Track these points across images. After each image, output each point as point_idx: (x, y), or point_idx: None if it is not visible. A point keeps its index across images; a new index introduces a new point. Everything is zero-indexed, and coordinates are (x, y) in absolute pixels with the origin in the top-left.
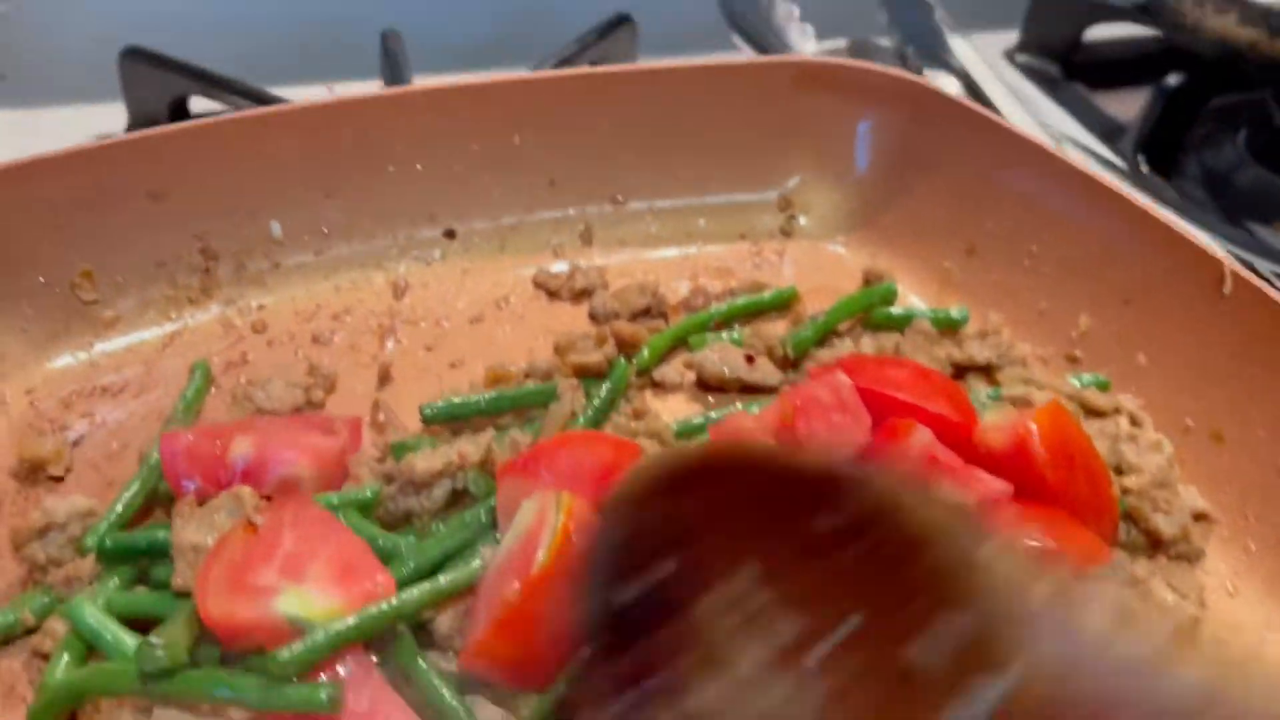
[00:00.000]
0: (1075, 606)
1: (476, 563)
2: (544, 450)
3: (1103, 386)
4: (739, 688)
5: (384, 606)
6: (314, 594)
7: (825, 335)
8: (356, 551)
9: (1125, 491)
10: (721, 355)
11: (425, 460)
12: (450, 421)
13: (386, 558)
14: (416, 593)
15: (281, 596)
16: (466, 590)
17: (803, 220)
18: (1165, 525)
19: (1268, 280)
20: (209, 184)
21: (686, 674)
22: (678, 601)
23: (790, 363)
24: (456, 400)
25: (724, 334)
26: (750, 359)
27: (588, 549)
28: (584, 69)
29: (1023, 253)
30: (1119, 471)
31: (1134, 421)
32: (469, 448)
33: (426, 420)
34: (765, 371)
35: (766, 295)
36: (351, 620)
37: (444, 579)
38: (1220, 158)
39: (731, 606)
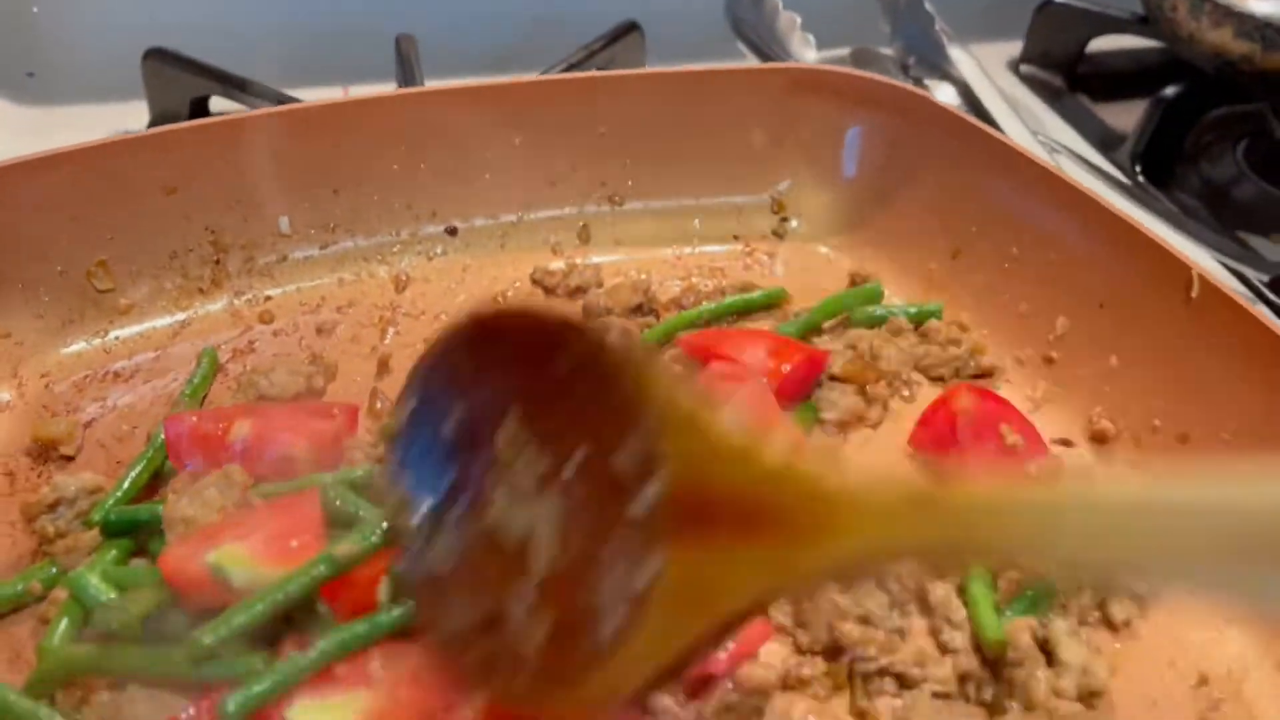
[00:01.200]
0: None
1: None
2: None
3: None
4: (517, 501)
5: (300, 580)
6: (243, 550)
7: (807, 332)
8: (309, 525)
9: None
10: None
11: None
12: None
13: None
14: (325, 567)
15: (217, 550)
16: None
17: (794, 223)
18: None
19: (1258, 291)
20: (221, 179)
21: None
22: (470, 438)
23: None
24: None
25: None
26: None
27: (403, 401)
28: (584, 73)
29: (1005, 256)
30: None
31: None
32: None
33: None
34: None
35: (756, 294)
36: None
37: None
38: (1218, 170)
39: (508, 442)
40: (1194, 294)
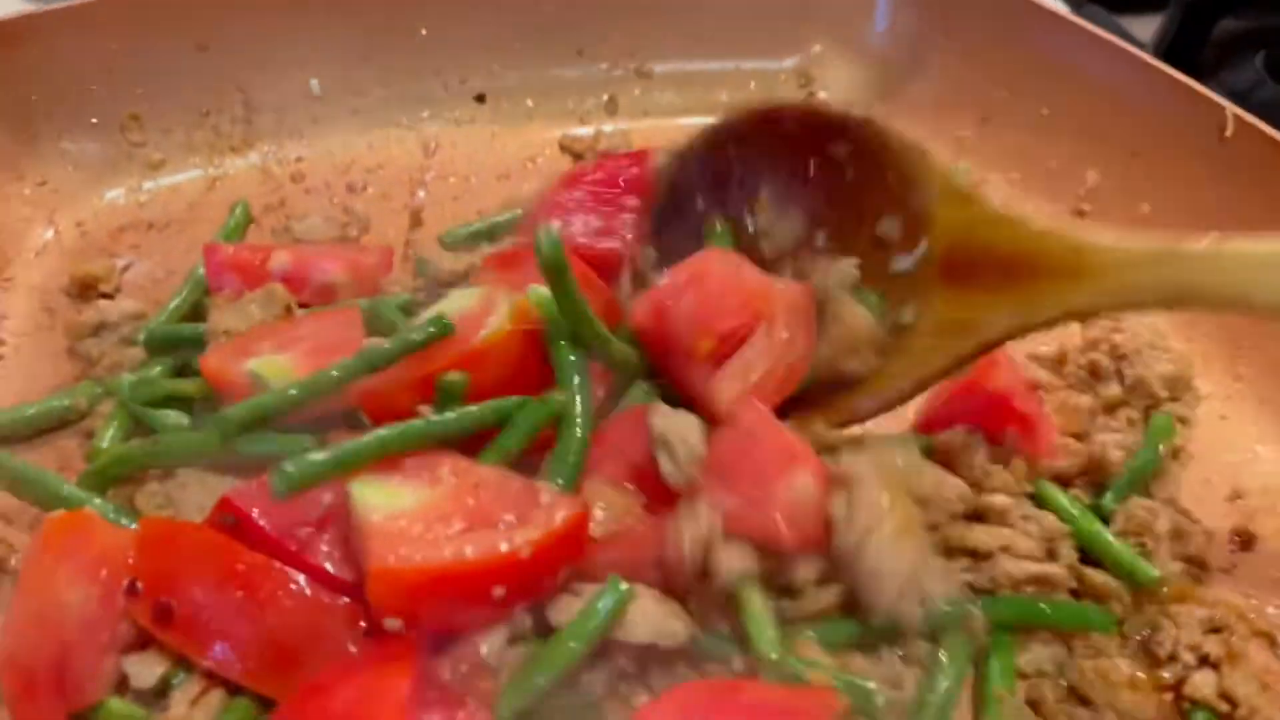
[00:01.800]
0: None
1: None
2: (525, 251)
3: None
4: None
5: (331, 373)
6: (281, 360)
7: None
8: (349, 340)
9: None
10: None
11: (449, 262)
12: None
13: None
14: (356, 361)
15: (256, 359)
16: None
17: (822, 94)
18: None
19: None
20: (252, 39)
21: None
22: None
23: None
24: (473, 226)
25: None
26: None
27: (651, 191)
28: None
29: (1034, 116)
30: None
31: None
32: (489, 249)
33: (445, 246)
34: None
35: None
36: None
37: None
38: (1239, 78)
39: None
40: (1228, 133)
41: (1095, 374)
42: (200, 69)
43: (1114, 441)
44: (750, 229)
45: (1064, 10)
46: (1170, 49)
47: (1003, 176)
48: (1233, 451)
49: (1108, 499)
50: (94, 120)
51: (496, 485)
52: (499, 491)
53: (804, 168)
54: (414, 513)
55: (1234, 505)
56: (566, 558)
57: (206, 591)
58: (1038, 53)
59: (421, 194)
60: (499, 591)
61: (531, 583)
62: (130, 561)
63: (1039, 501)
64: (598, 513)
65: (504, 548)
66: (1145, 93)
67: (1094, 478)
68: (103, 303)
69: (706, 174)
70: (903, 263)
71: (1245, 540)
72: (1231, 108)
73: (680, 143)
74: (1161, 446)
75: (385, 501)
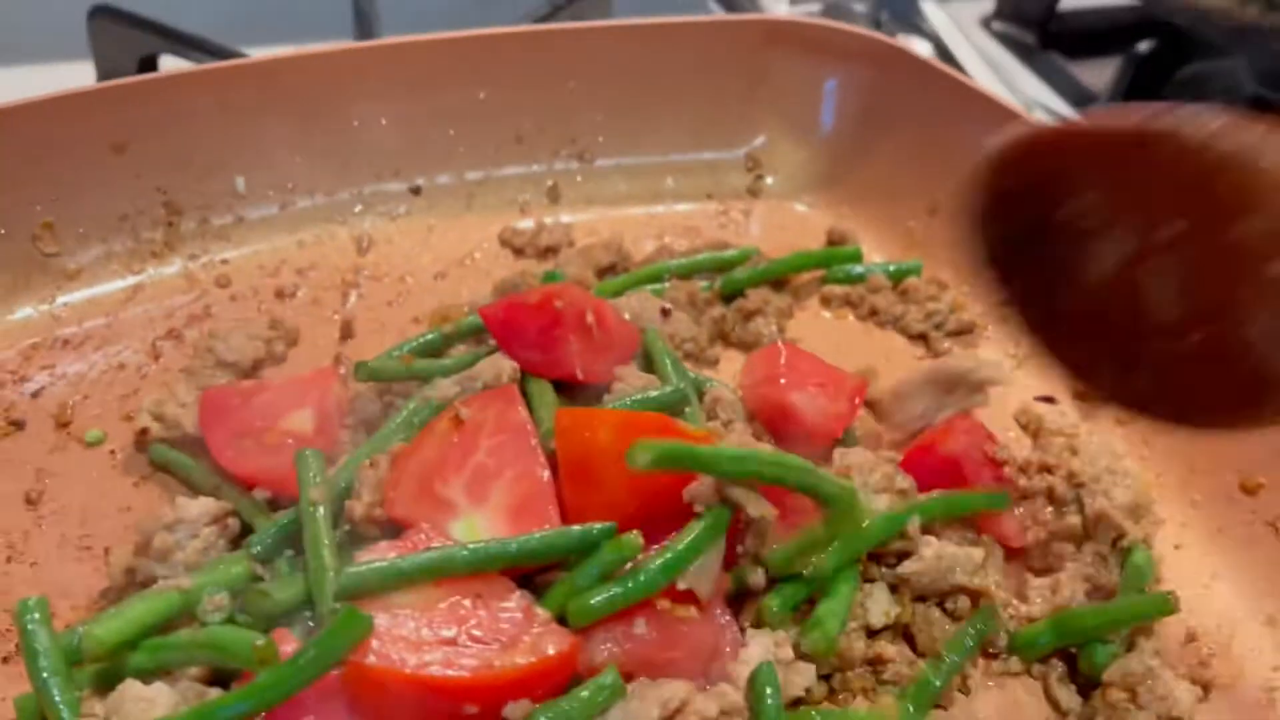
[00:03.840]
0: None
1: None
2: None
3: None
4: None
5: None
6: (479, 521)
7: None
8: (536, 483)
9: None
10: (640, 304)
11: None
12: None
13: None
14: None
15: (457, 520)
16: None
17: (769, 180)
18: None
19: None
20: (172, 137)
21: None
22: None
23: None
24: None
25: (651, 286)
26: (666, 311)
27: (977, 201)
28: (550, 24)
29: None
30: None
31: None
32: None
33: (359, 378)
34: (679, 324)
35: (729, 253)
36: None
37: None
38: None
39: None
40: None
41: (1053, 500)
42: (117, 171)
43: (1083, 575)
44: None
45: (1015, 105)
46: (1125, 98)
47: (952, 272)
48: (1186, 585)
49: (1099, 655)
50: (2, 232)
51: (498, 598)
52: (498, 606)
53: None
54: (411, 606)
55: (1189, 649)
56: (546, 690)
57: None
58: (983, 147)
59: (354, 297)
60: (470, 709)
61: (505, 704)
62: None
63: None
64: None
65: (480, 667)
66: None
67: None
68: (181, 499)
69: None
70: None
71: (1204, 688)
72: None
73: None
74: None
75: (400, 596)
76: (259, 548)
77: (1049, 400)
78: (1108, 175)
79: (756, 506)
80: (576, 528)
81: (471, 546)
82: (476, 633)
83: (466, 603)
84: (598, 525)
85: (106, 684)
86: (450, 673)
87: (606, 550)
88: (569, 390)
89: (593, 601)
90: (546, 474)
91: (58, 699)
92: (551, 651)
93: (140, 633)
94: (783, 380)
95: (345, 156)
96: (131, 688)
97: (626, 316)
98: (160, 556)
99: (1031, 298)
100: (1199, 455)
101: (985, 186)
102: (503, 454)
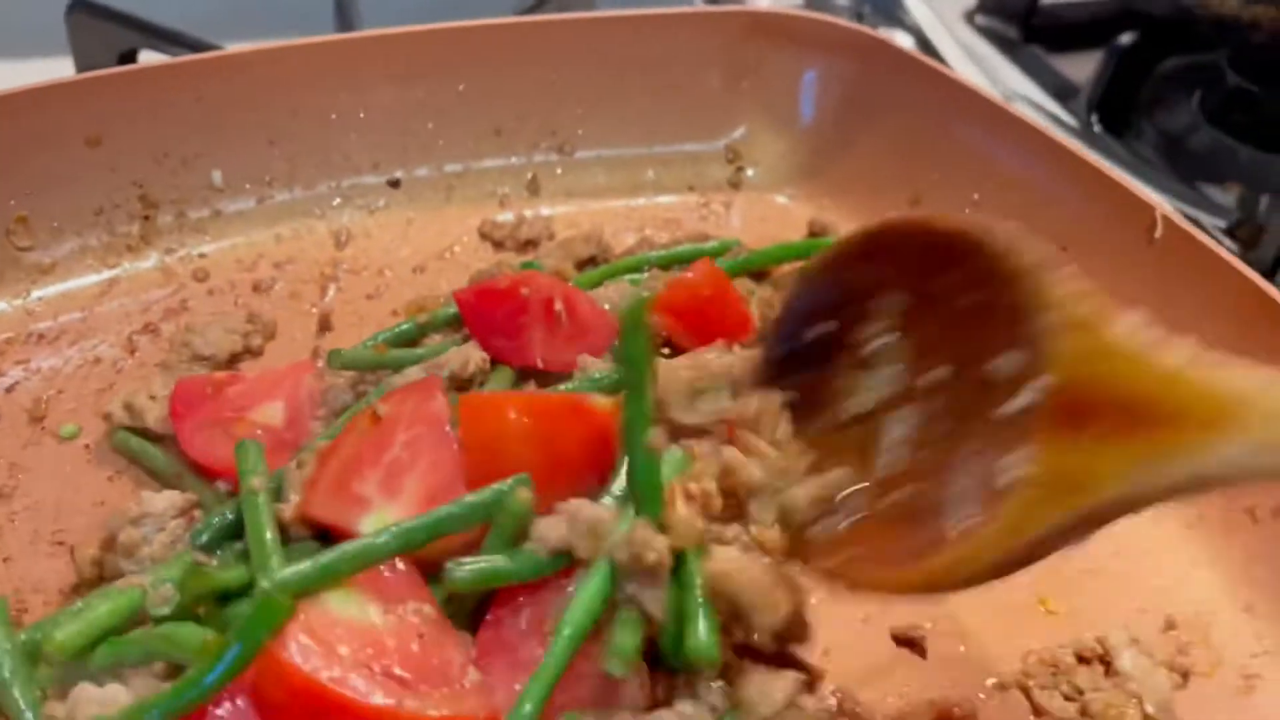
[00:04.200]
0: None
1: None
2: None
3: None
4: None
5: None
6: (390, 513)
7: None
8: (447, 472)
9: None
10: (618, 294)
11: None
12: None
13: None
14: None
15: (368, 514)
16: None
17: (750, 172)
18: None
19: (1211, 235)
20: (148, 130)
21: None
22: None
23: None
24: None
25: (630, 276)
26: None
27: (780, 313)
28: (531, 16)
29: (965, 202)
30: None
31: None
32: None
33: (333, 366)
34: None
35: (709, 244)
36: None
37: None
38: (1174, 119)
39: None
40: (1157, 235)
41: None
42: (92, 165)
43: None
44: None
45: (997, 97)
46: (1105, 92)
47: None
48: (1165, 574)
49: None
50: None
51: (437, 645)
52: (435, 651)
53: (923, 294)
54: (353, 630)
55: (1168, 637)
56: None
57: None
58: (967, 137)
59: (333, 291)
60: None
61: None
62: None
63: None
64: None
65: (390, 704)
66: (1075, 186)
67: None
68: (146, 494)
69: (821, 298)
70: (1011, 406)
71: (1183, 675)
72: (1161, 207)
73: (807, 266)
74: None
75: (334, 598)
76: (204, 537)
77: None
78: (902, 291)
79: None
80: (489, 489)
81: (392, 530)
82: (400, 670)
83: (409, 642)
84: (509, 482)
85: (69, 684)
86: (357, 697)
87: (501, 519)
88: (539, 379)
89: (459, 574)
90: (458, 461)
91: (19, 698)
92: (467, 712)
93: (101, 634)
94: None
95: (323, 150)
96: (85, 690)
97: (606, 308)
98: (126, 552)
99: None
100: None
101: (789, 300)
102: (417, 446)
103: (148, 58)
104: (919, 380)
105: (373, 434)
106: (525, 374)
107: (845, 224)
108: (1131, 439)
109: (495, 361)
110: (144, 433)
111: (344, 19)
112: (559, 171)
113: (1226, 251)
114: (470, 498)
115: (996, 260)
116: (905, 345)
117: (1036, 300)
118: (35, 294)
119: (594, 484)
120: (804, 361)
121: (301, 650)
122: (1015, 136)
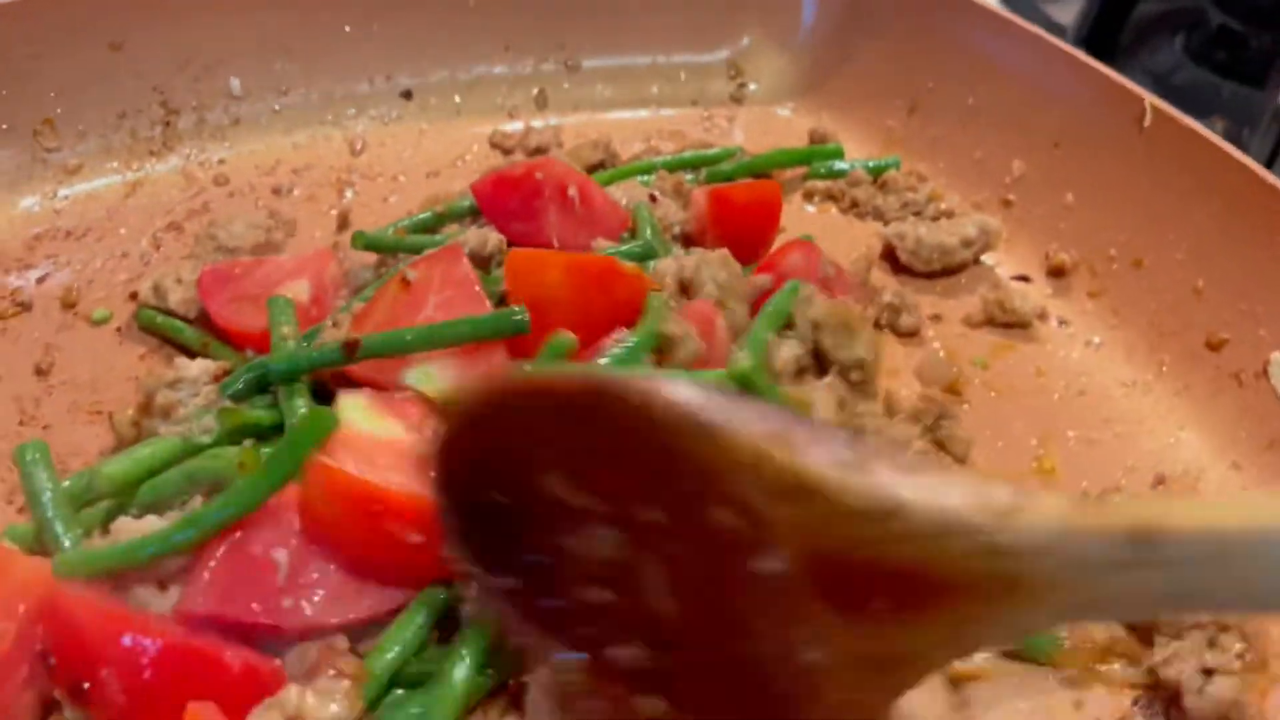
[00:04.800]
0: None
1: None
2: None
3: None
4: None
5: None
6: (434, 370)
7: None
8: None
9: None
10: (627, 192)
11: None
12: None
13: None
14: None
15: (412, 369)
16: None
17: (752, 86)
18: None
19: None
20: (168, 36)
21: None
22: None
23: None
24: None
25: (640, 178)
26: (653, 197)
27: (433, 474)
28: None
29: (961, 107)
30: None
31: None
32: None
33: (357, 247)
34: (666, 209)
35: (712, 151)
36: None
37: None
38: (1159, 59)
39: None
40: (1146, 123)
41: None
42: (115, 70)
43: None
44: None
45: (993, 2)
46: (1090, 32)
47: (930, 164)
48: (1156, 438)
49: None
50: (4, 127)
51: None
52: None
53: (589, 452)
54: (385, 444)
55: (1157, 492)
56: None
57: (118, 675)
58: (963, 44)
59: (349, 194)
60: (415, 537)
61: None
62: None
63: None
64: None
65: None
66: (1066, 83)
67: None
68: (181, 360)
69: (477, 471)
70: (761, 566)
71: None
72: (1149, 97)
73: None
74: None
75: (364, 421)
76: (236, 387)
77: (1024, 279)
78: (568, 447)
79: None
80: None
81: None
82: None
83: None
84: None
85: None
86: (402, 490)
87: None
88: None
89: None
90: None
91: (60, 533)
92: None
93: (146, 472)
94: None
95: (338, 60)
96: (125, 523)
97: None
98: (163, 414)
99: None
100: (1167, 319)
101: (441, 453)
102: (451, 307)
103: None
104: (639, 525)
105: (405, 297)
106: None
107: (844, 133)
108: (922, 613)
109: (511, 244)
110: (169, 313)
111: None
112: (566, 85)
113: (1213, 135)
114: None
115: (644, 413)
116: (603, 498)
117: (716, 456)
118: (62, 193)
119: (621, 330)
120: (490, 526)
121: (347, 457)
122: (1008, 39)
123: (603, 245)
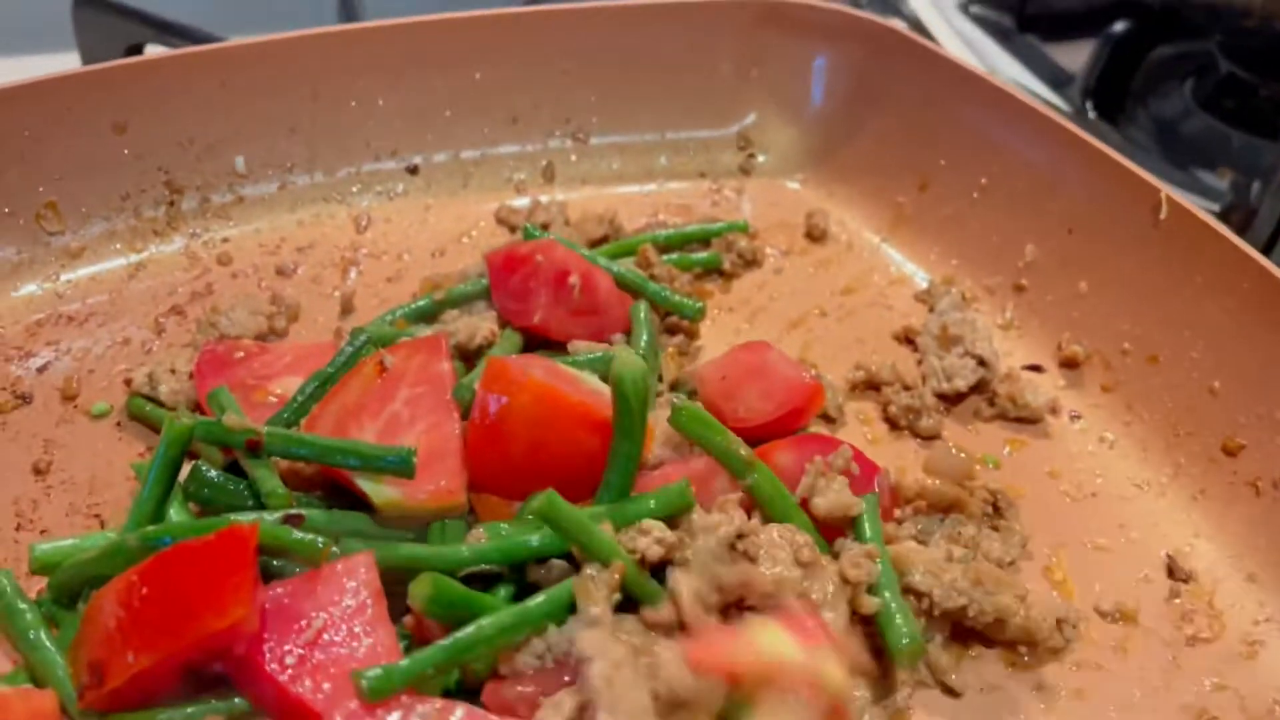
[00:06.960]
0: None
1: None
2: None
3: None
4: None
5: None
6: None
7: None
8: (445, 437)
9: None
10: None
11: None
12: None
13: None
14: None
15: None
16: None
17: (761, 158)
18: None
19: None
20: (172, 117)
21: None
22: None
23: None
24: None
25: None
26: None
27: None
28: (545, 6)
29: (973, 186)
30: None
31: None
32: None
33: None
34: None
35: (717, 225)
36: None
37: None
38: (1168, 106)
39: None
40: (1162, 216)
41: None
42: (118, 151)
43: None
44: None
45: (1003, 83)
46: (1099, 81)
47: (943, 248)
48: (1170, 544)
49: None
50: (7, 210)
51: None
52: None
53: None
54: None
55: (1172, 605)
56: None
57: None
58: (975, 122)
59: (353, 274)
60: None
61: None
62: None
63: None
64: None
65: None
66: (1081, 169)
67: None
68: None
69: None
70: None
71: (1188, 641)
72: (1165, 190)
73: None
74: None
75: None
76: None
77: (1036, 369)
78: None
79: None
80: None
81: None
82: None
83: None
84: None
85: None
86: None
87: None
88: (548, 347)
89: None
90: (457, 428)
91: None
92: None
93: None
94: (724, 377)
95: (343, 137)
96: None
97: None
98: None
99: None
100: (1183, 419)
101: None
102: (418, 405)
103: (155, 51)
104: None
105: (376, 384)
106: (534, 340)
107: (854, 208)
108: None
109: (506, 324)
110: (158, 403)
111: (348, 11)
112: (573, 159)
113: (1229, 231)
114: None
115: None
116: None
117: None
118: (65, 277)
119: (581, 494)
120: None
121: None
122: (1022, 121)
123: (579, 347)
